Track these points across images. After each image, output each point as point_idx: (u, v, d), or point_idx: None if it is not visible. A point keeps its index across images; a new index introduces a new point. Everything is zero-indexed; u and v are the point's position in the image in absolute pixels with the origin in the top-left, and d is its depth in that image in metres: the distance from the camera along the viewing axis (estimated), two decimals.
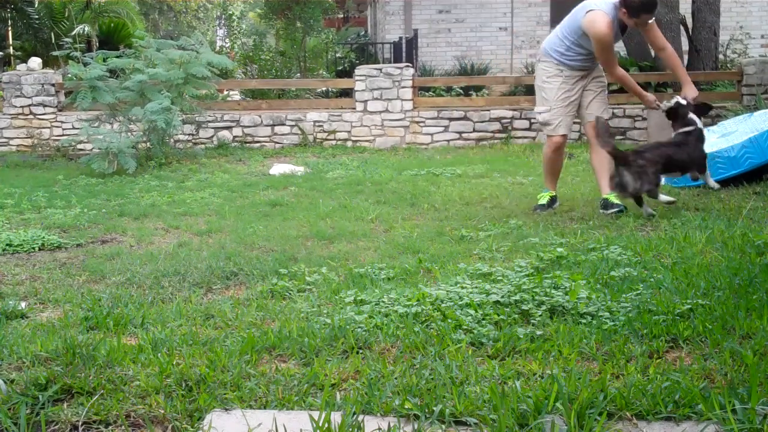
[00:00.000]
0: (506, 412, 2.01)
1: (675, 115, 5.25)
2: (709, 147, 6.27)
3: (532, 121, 10.18)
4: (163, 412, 2.14)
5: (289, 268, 3.95)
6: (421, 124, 10.32)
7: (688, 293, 3.08)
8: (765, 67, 10.10)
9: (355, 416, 2.03)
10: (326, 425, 1.97)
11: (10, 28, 20.34)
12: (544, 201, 5.62)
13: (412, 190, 6.58)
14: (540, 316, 2.94)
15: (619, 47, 13.46)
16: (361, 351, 2.64)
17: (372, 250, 4.41)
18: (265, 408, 2.17)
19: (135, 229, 5.22)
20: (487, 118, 10.27)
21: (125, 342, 2.74)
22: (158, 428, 2.09)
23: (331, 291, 3.49)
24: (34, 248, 4.66)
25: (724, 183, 6.02)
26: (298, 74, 15.75)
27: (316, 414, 2.01)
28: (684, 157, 5.20)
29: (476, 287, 3.27)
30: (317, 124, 10.40)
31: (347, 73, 14.32)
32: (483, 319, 2.91)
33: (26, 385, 2.29)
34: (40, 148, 10.06)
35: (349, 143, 10.31)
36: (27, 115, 10.59)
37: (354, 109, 10.45)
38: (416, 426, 2.02)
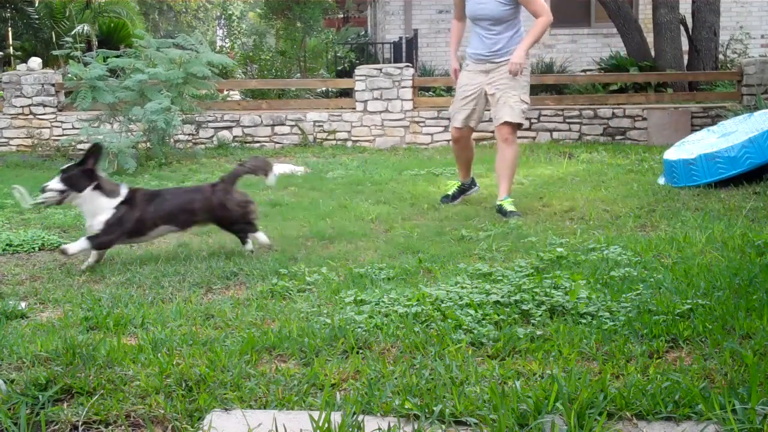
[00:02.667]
0: (506, 412, 2.01)
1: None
2: (709, 147, 6.29)
3: (532, 121, 10.18)
4: (163, 412, 2.14)
5: (289, 268, 3.95)
6: (421, 124, 10.32)
7: (688, 293, 3.08)
8: (765, 67, 10.10)
9: (355, 416, 2.03)
10: (326, 425, 1.97)
11: (10, 28, 20.35)
12: (450, 191, 5.97)
13: (412, 190, 6.58)
14: (540, 316, 2.94)
15: (620, 47, 13.49)
16: (361, 351, 2.64)
17: (372, 250, 4.41)
18: (265, 408, 2.17)
19: None
20: (487, 117, 10.26)
21: (125, 342, 2.74)
22: (158, 428, 2.09)
23: (331, 291, 3.49)
24: (34, 248, 4.66)
25: (724, 183, 6.04)
26: (298, 74, 15.75)
27: (316, 414, 2.01)
28: None
29: (476, 287, 3.27)
30: (317, 124, 10.40)
31: (347, 73, 14.32)
32: (483, 319, 2.91)
33: (26, 385, 2.29)
34: (40, 148, 10.06)
35: (349, 143, 10.31)
36: (27, 115, 10.59)
37: (354, 109, 10.45)
38: (416, 426, 2.02)
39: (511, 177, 5.68)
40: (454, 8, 5.88)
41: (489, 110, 5.81)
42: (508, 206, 5.40)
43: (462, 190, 5.99)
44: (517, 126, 5.67)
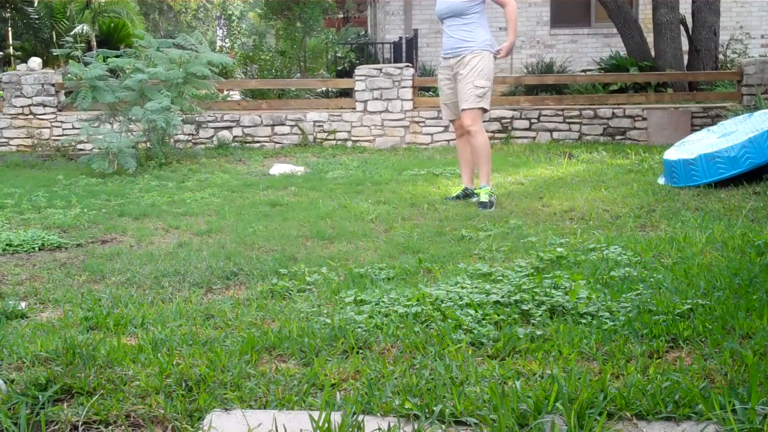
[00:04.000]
0: (506, 412, 2.01)
1: None
2: (709, 147, 6.29)
3: (532, 121, 10.19)
4: (163, 412, 2.14)
5: (289, 268, 3.95)
6: (421, 124, 10.33)
7: (688, 293, 3.08)
8: (765, 67, 10.09)
9: (355, 416, 2.03)
10: (326, 425, 1.97)
11: (10, 28, 20.36)
12: (454, 193, 6.14)
13: (412, 190, 6.58)
14: (540, 316, 2.94)
15: (620, 47, 13.50)
16: (361, 351, 2.64)
17: (372, 250, 4.41)
18: (265, 408, 2.17)
19: (135, 229, 5.21)
20: (487, 118, 10.26)
21: (125, 342, 2.74)
22: (158, 428, 2.09)
23: (331, 291, 3.49)
24: (34, 248, 4.66)
25: (724, 183, 6.03)
26: (298, 74, 15.75)
27: (316, 414, 2.01)
28: None
29: (476, 287, 3.27)
30: (317, 124, 10.41)
31: (347, 73, 14.32)
32: (483, 319, 2.91)
33: (26, 385, 2.29)
34: (40, 148, 10.06)
35: (349, 143, 10.31)
36: (27, 115, 10.59)
37: (354, 109, 10.45)
38: (416, 426, 2.02)
39: (486, 165, 5.87)
40: None
41: None
42: (483, 196, 5.70)
43: (466, 195, 6.08)
44: (479, 111, 5.86)
